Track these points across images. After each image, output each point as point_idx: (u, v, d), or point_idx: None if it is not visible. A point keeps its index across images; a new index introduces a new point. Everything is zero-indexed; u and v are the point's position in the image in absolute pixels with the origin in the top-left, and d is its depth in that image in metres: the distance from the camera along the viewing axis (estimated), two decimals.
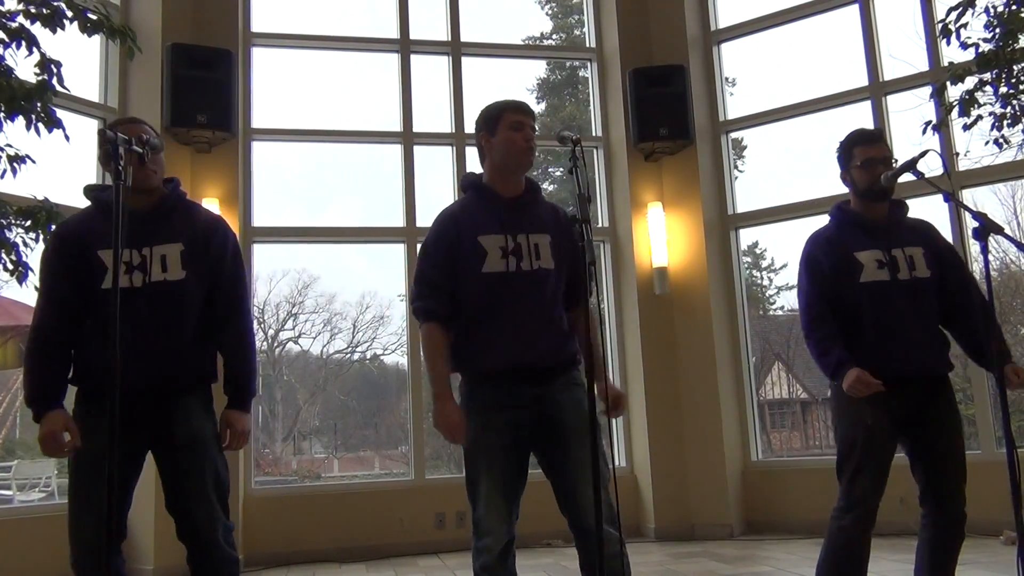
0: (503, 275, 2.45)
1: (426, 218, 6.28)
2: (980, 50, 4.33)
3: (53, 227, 3.82)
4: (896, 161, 2.92)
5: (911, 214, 3.01)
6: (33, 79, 3.69)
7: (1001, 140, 4.49)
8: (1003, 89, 4.36)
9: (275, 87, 6.51)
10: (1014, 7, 4.27)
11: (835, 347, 2.80)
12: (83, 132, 5.23)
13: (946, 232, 5.61)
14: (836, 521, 2.77)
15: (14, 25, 3.61)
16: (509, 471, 2.41)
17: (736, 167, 6.90)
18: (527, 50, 8.13)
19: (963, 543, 2.77)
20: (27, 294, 4.01)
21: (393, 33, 6.52)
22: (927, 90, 5.47)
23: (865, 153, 2.88)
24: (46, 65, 3.69)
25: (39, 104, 3.65)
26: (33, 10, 3.62)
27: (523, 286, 2.44)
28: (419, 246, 6.68)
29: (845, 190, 3.06)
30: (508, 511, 2.39)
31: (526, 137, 2.52)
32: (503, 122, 2.54)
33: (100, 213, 2.47)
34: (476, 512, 2.40)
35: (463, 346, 2.49)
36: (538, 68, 11.52)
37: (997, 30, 4.30)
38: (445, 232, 2.53)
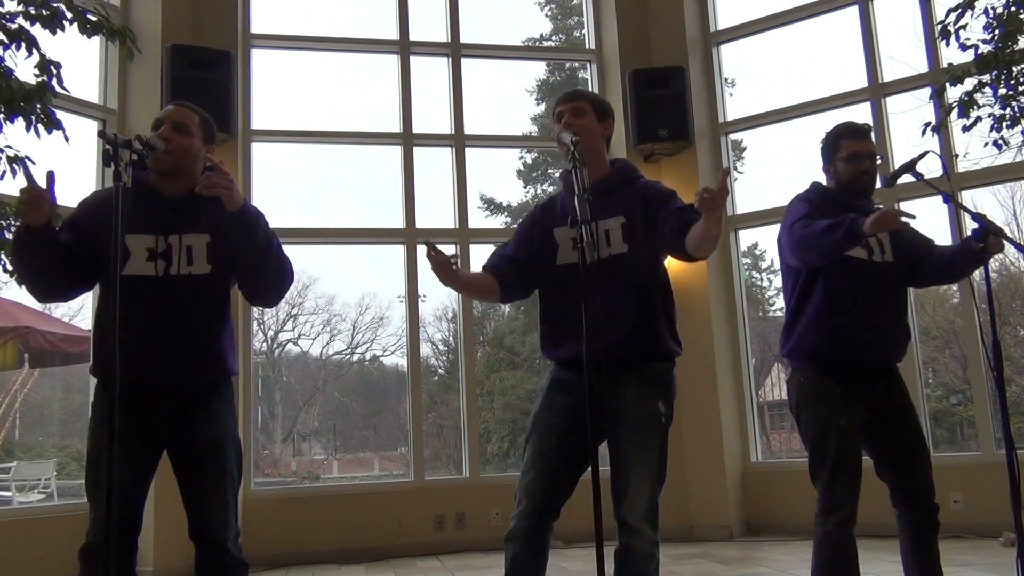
0: (574, 267, 2.41)
1: (425, 219, 6.31)
2: (979, 52, 4.33)
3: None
4: (881, 158, 2.92)
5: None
6: (33, 80, 3.69)
7: (1000, 141, 4.49)
8: (1002, 91, 4.36)
9: (275, 88, 6.51)
10: (1013, 8, 4.28)
11: (837, 220, 2.62)
12: (83, 133, 5.23)
13: (946, 233, 5.64)
14: (820, 527, 2.73)
15: (14, 26, 3.61)
16: (557, 452, 2.39)
17: (736, 168, 6.91)
18: (527, 51, 8.14)
19: (939, 531, 2.76)
20: (27, 295, 4.00)
21: (393, 34, 6.53)
22: (926, 91, 5.47)
23: (852, 146, 2.85)
24: (46, 66, 3.69)
25: (39, 105, 3.65)
26: (33, 11, 3.62)
27: (594, 276, 2.43)
28: (418, 248, 6.66)
29: None
30: (542, 488, 2.37)
31: (566, 123, 2.49)
32: (554, 116, 2.58)
33: (132, 193, 2.32)
34: (519, 483, 2.44)
35: (545, 337, 2.55)
36: (538, 69, 11.53)
37: (996, 31, 4.30)
38: (524, 220, 2.72)
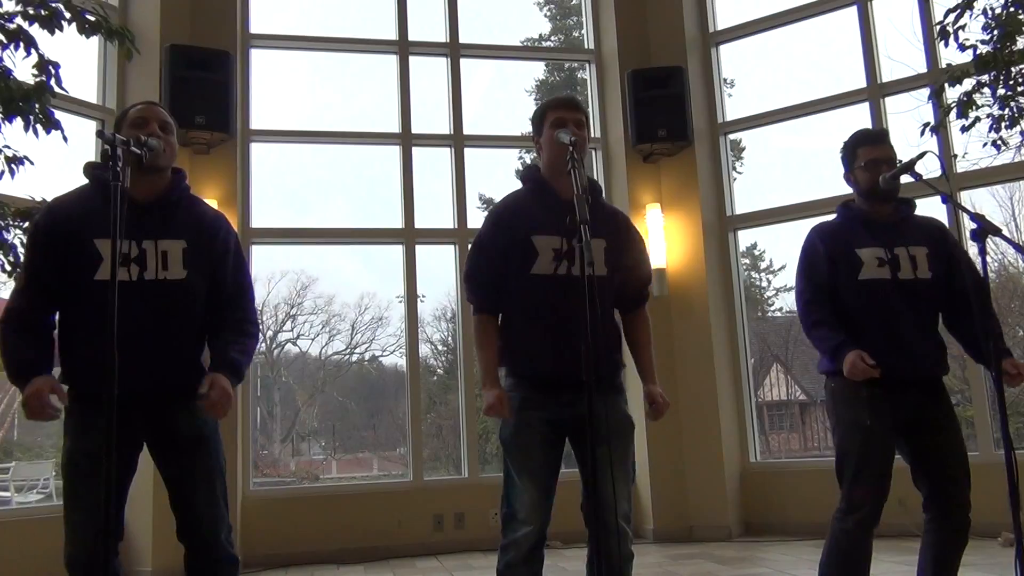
0: (553, 278, 2.44)
1: (424, 220, 6.31)
2: (978, 52, 4.33)
3: None
4: (900, 162, 2.92)
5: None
6: (31, 80, 3.68)
7: (999, 142, 4.49)
8: (1001, 91, 4.36)
9: (274, 88, 6.51)
10: (1012, 9, 4.28)
11: (836, 329, 2.78)
12: (81, 133, 5.23)
13: None
14: (839, 523, 2.75)
15: (12, 26, 3.61)
16: (546, 468, 2.43)
17: (734, 168, 6.90)
18: (526, 51, 8.13)
19: (966, 547, 2.76)
20: None
21: (392, 34, 6.53)
22: (925, 92, 5.46)
23: (869, 154, 2.87)
24: (44, 66, 3.68)
25: (37, 105, 3.64)
26: (31, 11, 3.62)
27: (572, 292, 2.37)
28: (417, 248, 6.64)
29: (845, 190, 3.06)
30: (544, 507, 2.40)
31: (573, 133, 2.46)
32: (547, 120, 2.53)
33: (100, 195, 2.31)
34: (510, 508, 2.42)
35: (508, 345, 2.51)
36: (537, 69, 11.51)
37: (995, 32, 4.30)
38: (498, 228, 2.54)
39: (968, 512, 2.73)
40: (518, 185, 2.70)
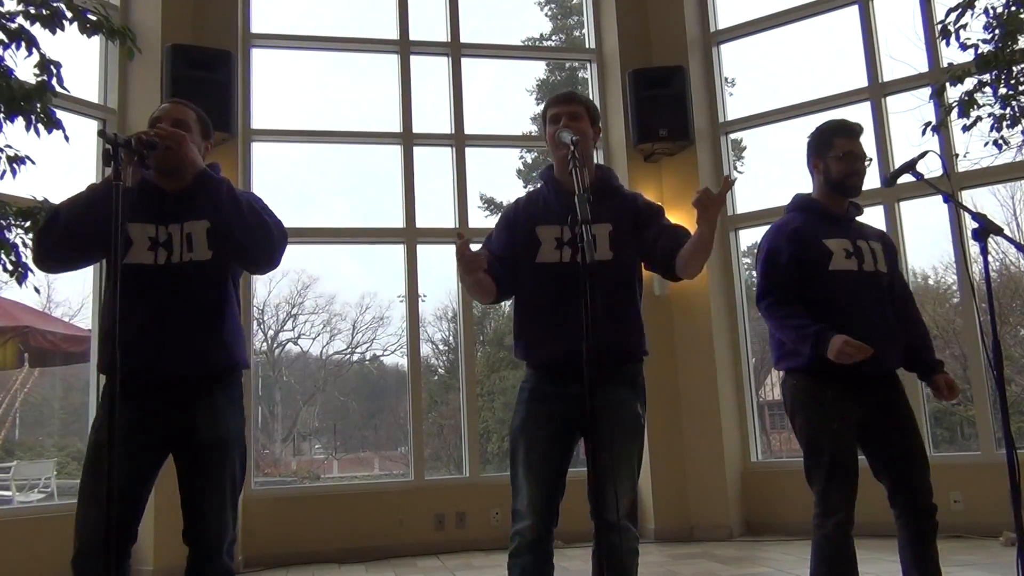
0: (556, 266, 2.48)
1: (425, 219, 6.31)
2: (979, 51, 4.33)
3: None
4: (870, 161, 2.91)
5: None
6: (33, 80, 3.68)
7: (1000, 141, 4.49)
8: (1002, 90, 4.36)
9: (275, 88, 6.51)
10: (1013, 8, 4.28)
11: (807, 318, 2.74)
12: (83, 133, 5.23)
13: (946, 233, 5.65)
14: (819, 530, 2.73)
15: (14, 26, 3.61)
16: (547, 462, 2.43)
17: (736, 168, 6.91)
18: (527, 51, 8.13)
19: (937, 532, 2.75)
20: (27, 295, 4.01)
21: (393, 34, 6.53)
22: (927, 91, 5.47)
23: (847, 145, 2.86)
24: (46, 66, 3.69)
25: (39, 105, 3.65)
26: (33, 11, 3.62)
27: (575, 279, 2.34)
28: (418, 247, 6.64)
29: None
30: (542, 501, 2.39)
31: (565, 126, 2.49)
32: (546, 118, 2.61)
33: (136, 186, 2.36)
34: (513, 500, 2.45)
35: (520, 335, 2.55)
36: (538, 69, 11.52)
37: (996, 31, 4.30)
38: (507, 217, 2.68)
39: (930, 497, 2.74)
40: (519, 184, 2.74)
